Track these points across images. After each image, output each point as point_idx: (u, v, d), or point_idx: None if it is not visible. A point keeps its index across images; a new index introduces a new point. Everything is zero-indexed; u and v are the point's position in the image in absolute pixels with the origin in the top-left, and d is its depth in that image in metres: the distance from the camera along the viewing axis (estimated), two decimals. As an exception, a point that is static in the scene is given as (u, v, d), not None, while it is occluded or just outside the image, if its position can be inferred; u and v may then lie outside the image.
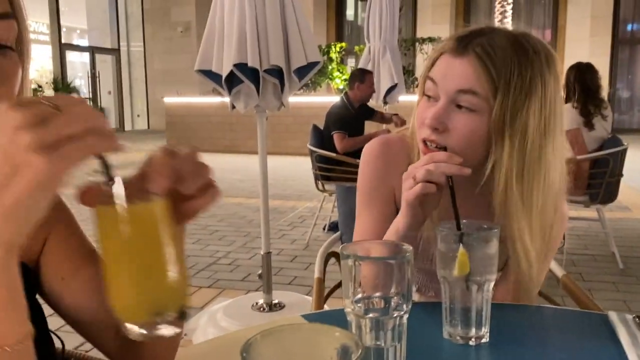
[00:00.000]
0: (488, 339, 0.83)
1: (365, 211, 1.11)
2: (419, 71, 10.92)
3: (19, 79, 0.61)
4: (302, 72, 2.52)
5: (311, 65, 2.52)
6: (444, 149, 0.94)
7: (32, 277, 0.73)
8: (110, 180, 0.45)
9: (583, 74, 3.63)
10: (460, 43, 0.94)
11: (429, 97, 0.97)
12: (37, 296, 0.75)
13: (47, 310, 0.74)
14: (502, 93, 0.90)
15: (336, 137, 4.25)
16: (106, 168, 0.45)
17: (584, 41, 12.40)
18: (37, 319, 0.73)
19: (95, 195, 0.47)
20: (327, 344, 0.46)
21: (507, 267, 1.04)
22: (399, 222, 0.95)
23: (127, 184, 0.47)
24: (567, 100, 3.65)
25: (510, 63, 0.91)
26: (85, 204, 0.47)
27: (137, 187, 0.50)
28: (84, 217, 0.67)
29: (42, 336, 0.74)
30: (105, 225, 0.46)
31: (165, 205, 0.49)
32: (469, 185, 0.97)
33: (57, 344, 0.77)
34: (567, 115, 3.58)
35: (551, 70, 0.94)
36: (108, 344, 0.75)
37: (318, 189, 4.28)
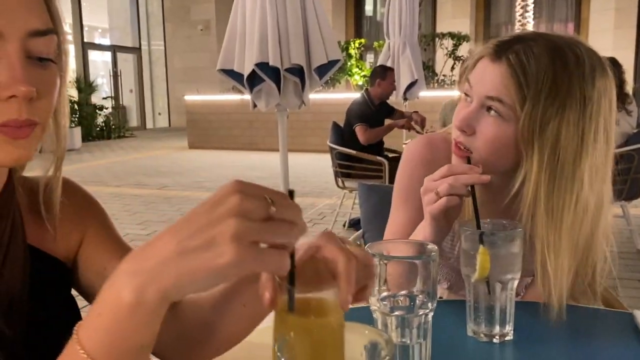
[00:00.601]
0: (512, 337, 0.84)
1: (401, 207, 1.11)
2: (439, 67, 10.84)
3: (57, 90, 0.64)
4: (322, 70, 2.54)
5: (332, 63, 2.54)
6: (470, 152, 0.94)
7: (68, 274, 0.76)
8: (293, 285, 0.46)
9: None
10: (499, 48, 0.93)
11: (467, 96, 0.98)
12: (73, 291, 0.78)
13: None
14: (530, 103, 0.88)
15: (358, 129, 4.25)
16: (292, 276, 0.46)
17: (608, 33, 12.17)
18: (72, 313, 0.77)
19: (279, 298, 0.48)
20: (357, 341, 0.47)
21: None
22: (425, 232, 0.94)
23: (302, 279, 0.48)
24: None
25: (543, 73, 0.88)
26: (270, 306, 0.47)
27: (312, 283, 0.50)
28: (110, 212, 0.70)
29: None
30: (286, 331, 0.46)
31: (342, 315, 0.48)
32: (497, 197, 0.97)
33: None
34: None
35: (596, 83, 0.89)
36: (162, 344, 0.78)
37: (338, 186, 4.29)
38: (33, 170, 0.74)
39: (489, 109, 0.93)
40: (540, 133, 0.88)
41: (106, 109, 13.22)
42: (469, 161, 0.94)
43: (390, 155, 4.47)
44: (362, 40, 11.07)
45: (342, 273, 0.50)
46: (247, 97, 2.60)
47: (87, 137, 11.88)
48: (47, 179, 0.71)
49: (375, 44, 10.72)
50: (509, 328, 0.84)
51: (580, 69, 0.89)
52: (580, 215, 0.90)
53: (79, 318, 0.78)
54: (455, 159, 0.97)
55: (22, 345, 0.65)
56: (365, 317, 0.67)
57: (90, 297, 0.78)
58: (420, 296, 0.69)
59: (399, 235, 1.07)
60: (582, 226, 0.90)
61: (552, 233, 0.89)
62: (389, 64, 5.37)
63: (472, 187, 0.90)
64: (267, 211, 0.43)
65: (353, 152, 4.11)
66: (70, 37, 13.97)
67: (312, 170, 7.62)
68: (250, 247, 0.42)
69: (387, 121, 4.61)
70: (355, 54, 10.59)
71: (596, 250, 0.95)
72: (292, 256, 0.46)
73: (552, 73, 0.88)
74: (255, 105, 2.60)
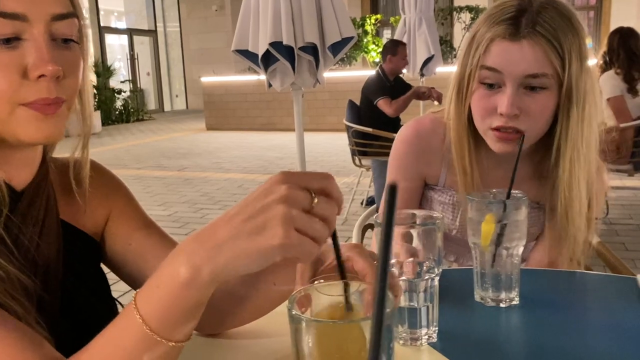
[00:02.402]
0: (518, 302, 0.87)
1: (392, 177, 1.18)
2: (457, 41, 10.67)
3: (81, 70, 0.68)
4: (336, 47, 2.55)
5: (346, 41, 2.54)
6: (522, 133, 0.95)
7: (97, 249, 0.82)
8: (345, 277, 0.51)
9: (627, 38, 3.52)
10: (514, 26, 0.92)
11: (489, 84, 0.96)
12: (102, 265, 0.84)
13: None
14: (568, 64, 0.92)
15: (382, 103, 4.24)
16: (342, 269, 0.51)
17: (633, 1, 11.81)
18: (101, 284, 0.82)
19: (307, 302, 0.52)
20: (360, 294, 0.51)
21: (544, 236, 1.07)
22: None
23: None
24: (610, 66, 3.55)
25: (566, 32, 0.92)
26: (300, 307, 0.51)
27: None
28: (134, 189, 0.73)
29: (106, 299, 0.83)
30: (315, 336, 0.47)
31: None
32: (528, 164, 1.01)
33: (120, 308, 0.86)
34: (610, 82, 3.48)
35: (583, 28, 0.96)
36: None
37: (355, 164, 4.32)
38: (62, 153, 0.79)
39: (531, 88, 0.93)
40: (577, 89, 0.93)
41: (124, 92, 13.34)
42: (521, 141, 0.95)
43: (407, 132, 4.46)
44: (379, 16, 10.94)
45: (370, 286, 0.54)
46: (263, 77, 2.63)
47: (106, 120, 12.04)
48: (77, 157, 0.76)
49: (392, 19, 10.59)
50: (515, 293, 0.87)
51: (576, 19, 0.95)
52: (593, 162, 0.99)
53: (108, 288, 0.83)
54: (502, 147, 0.97)
55: (59, 310, 0.71)
56: (374, 282, 0.71)
57: (117, 270, 0.84)
58: (426, 262, 0.73)
59: None
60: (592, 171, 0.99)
61: (584, 177, 0.97)
62: (404, 40, 5.32)
63: (519, 154, 0.92)
64: (310, 203, 0.48)
65: (369, 129, 4.12)
66: (87, 21, 14.05)
67: (330, 149, 7.64)
68: (295, 233, 0.47)
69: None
70: (372, 30, 10.48)
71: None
72: (335, 239, 0.51)
73: (569, 30, 0.92)
74: (270, 85, 2.63)
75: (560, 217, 1.00)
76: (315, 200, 0.48)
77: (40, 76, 0.61)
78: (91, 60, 13.26)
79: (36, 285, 0.66)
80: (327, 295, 0.51)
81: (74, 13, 0.66)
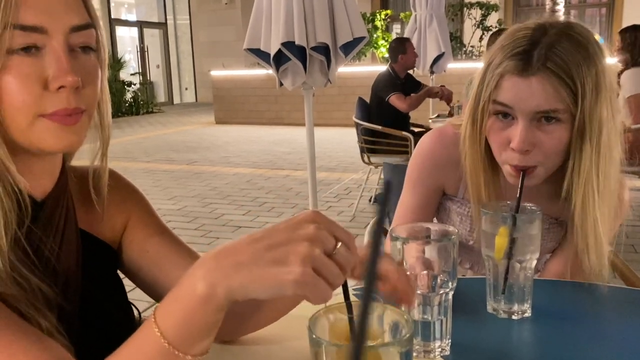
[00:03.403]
0: (530, 314, 0.88)
1: (410, 193, 1.19)
2: (467, 38, 10.61)
3: (100, 79, 0.69)
4: (348, 47, 2.55)
5: (357, 41, 2.55)
6: (535, 167, 0.95)
7: (114, 256, 0.83)
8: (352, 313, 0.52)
9: None
10: (524, 61, 0.91)
11: (503, 114, 0.95)
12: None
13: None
14: (581, 98, 0.89)
15: (395, 98, 4.24)
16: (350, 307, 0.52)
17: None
18: (118, 291, 0.84)
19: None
20: (380, 319, 0.52)
21: (563, 249, 1.08)
22: None
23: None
24: (634, 64, 3.53)
25: (579, 66, 0.89)
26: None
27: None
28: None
29: (123, 306, 0.84)
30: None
31: None
32: (548, 183, 1.00)
33: (135, 313, 0.88)
34: (634, 79, 3.45)
35: (603, 54, 0.93)
36: None
37: (364, 161, 4.32)
38: (80, 161, 0.80)
39: (545, 119, 0.92)
40: (591, 122, 0.91)
41: (134, 84, 13.39)
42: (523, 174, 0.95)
43: (416, 130, 4.46)
44: (389, 12, 10.89)
45: (404, 292, 0.56)
46: (272, 71, 2.64)
47: (116, 113, 12.09)
48: (96, 166, 0.77)
49: (402, 14, 10.54)
50: (527, 305, 0.88)
51: (593, 47, 0.92)
52: (616, 188, 0.98)
53: (125, 296, 0.84)
54: (517, 181, 0.96)
55: (79, 318, 0.72)
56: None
57: (132, 277, 0.85)
58: (441, 276, 0.74)
59: (407, 214, 1.17)
60: (616, 186, 0.98)
61: (601, 206, 0.95)
62: (415, 37, 5.31)
63: (523, 173, 0.93)
64: (333, 249, 0.50)
65: (379, 127, 4.12)
66: (98, 14, 14.09)
67: (338, 145, 7.64)
68: (312, 272, 0.48)
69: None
70: (381, 25, 10.44)
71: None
72: (345, 289, 0.52)
73: (584, 62, 0.89)
74: (281, 84, 2.64)
75: (578, 250, 1.00)
76: (338, 246, 0.50)
77: (60, 87, 0.62)
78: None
79: (57, 295, 0.66)
80: (346, 316, 0.52)
81: (91, 24, 0.67)
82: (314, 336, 0.47)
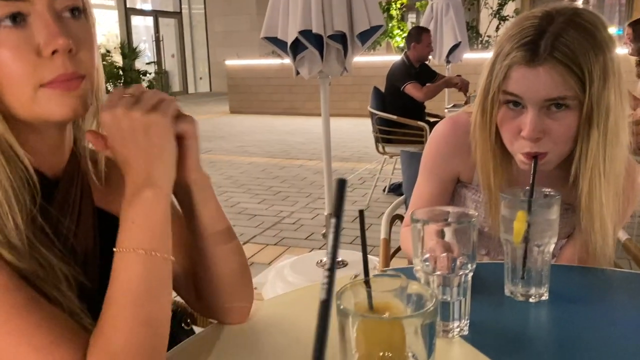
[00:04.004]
0: (547, 297, 0.89)
1: (425, 180, 1.21)
2: (483, 27, 10.49)
3: (95, 42, 0.69)
4: (364, 36, 2.55)
5: (374, 29, 2.54)
6: (545, 154, 0.96)
7: None
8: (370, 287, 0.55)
9: None
10: (532, 51, 0.92)
11: (513, 103, 0.96)
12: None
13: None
14: (589, 85, 0.90)
15: (411, 87, 4.22)
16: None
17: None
18: None
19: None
20: (404, 293, 0.54)
21: (574, 234, 1.09)
22: None
23: None
24: None
25: (586, 53, 0.90)
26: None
27: None
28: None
29: None
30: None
31: None
32: (559, 168, 1.02)
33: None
34: None
35: (612, 40, 0.94)
36: (189, 295, 0.85)
37: (378, 151, 4.32)
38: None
39: (554, 106, 0.93)
40: (598, 108, 0.92)
41: (149, 74, 13.44)
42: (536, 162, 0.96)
43: (432, 119, 4.45)
44: (404, 1, 10.79)
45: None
46: (287, 61, 2.65)
47: (132, 102, 12.14)
48: None
49: (418, 4, 10.45)
50: (544, 289, 0.89)
51: (600, 33, 0.92)
52: (623, 163, 0.99)
53: None
54: (528, 167, 0.97)
55: (99, 295, 0.75)
56: (408, 276, 0.74)
57: None
58: (460, 258, 0.76)
59: (422, 201, 1.18)
60: (622, 172, 0.99)
61: (606, 191, 0.97)
62: (431, 27, 5.27)
63: (536, 159, 0.95)
64: (138, 96, 0.67)
65: (394, 116, 4.12)
66: (113, 3, 14.17)
67: (352, 135, 7.64)
68: (154, 106, 0.66)
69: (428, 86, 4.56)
70: (397, 14, 10.36)
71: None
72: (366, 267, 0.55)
73: (591, 49, 0.90)
74: (298, 73, 2.65)
75: (583, 231, 1.02)
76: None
77: (53, 52, 0.62)
78: (116, 40, 13.37)
79: (76, 273, 0.68)
80: (371, 290, 0.54)
81: None
82: (341, 307, 0.49)
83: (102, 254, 0.74)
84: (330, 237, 0.36)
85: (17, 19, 0.62)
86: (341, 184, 0.35)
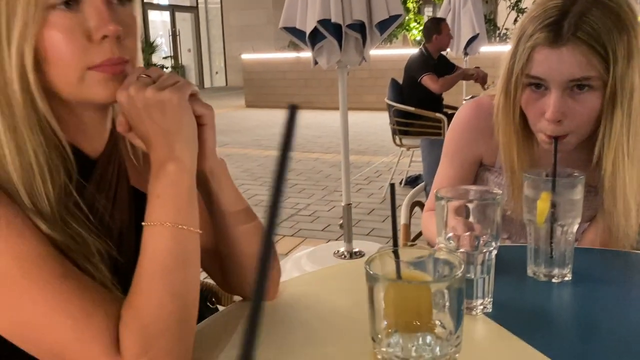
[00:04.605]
0: (571, 278, 0.89)
1: (448, 164, 1.21)
2: (501, 20, 10.39)
3: (139, 29, 0.72)
4: (383, 25, 2.55)
5: (393, 19, 2.54)
6: (566, 135, 0.97)
7: None
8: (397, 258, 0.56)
9: None
10: (555, 32, 0.91)
11: (536, 85, 0.96)
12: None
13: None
14: (612, 65, 0.90)
15: (428, 79, 4.20)
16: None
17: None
18: None
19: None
20: (433, 261, 0.55)
21: (597, 218, 1.09)
22: None
23: None
24: None
25: (610, 33, 0.89)
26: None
27: None
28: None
29: None
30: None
31: None
32: (582, 150, 1.01)
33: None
34: None
35: (637, 18, 0.93)
36: (215, 272, 0.87)
37: (395, 143, 4.31)
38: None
39: (578, 87, 0.93)
40: (622, 88, 0.92)
41: (166, 68, 13.55)
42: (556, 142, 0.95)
43: (449, 111, 4.43)
44: (420, -7, 10.74)
45: None
46: (302, 55, 2.68)
47: (149, 96, 12.24)
48: None
49: (434, -3, 10.39)
50: (567, 270, 0.89)
51: (625, 12, 0.91)
52: None
53: None
54: (548, 147, 0.98)
55: (132, 271, 0.77)
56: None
57: None
58: (484, 236, 0.76)
59: (445, 184, 1.17)
60: None
61: (630, 170, 0.97)
62: (449, 19, 5.23)
63: (556, 140, 0.94)
64: (154, 77, 0.69)
65: (412, 108, 4.10)
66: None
67: (368, 128, 7.63)
68: (170, 85, 0.68)
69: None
70: (414, 7, 10.31)
71: None
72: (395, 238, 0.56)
73: (615, 28, 0.90)
74: (316, 63, 2.65)
75: (606, 212, 1.02)
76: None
77: (103, 37, 0.65)
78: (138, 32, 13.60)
79: (111, 250, 0.70)
80: (398, 259, 0.55)
81: None
82: (371, 272, 0.50)
83: (137, 232, 0.76)
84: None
85: (71, 3, 0.64)
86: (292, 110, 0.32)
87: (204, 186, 0.75)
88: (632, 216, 0.99)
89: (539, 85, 0.96)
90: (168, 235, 0.64)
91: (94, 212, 0.71)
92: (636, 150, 0.96)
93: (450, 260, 0.53)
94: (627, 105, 0.93)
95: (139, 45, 0.73)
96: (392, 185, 0.58)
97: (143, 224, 0.66)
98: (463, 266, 0.50)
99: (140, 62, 0.75)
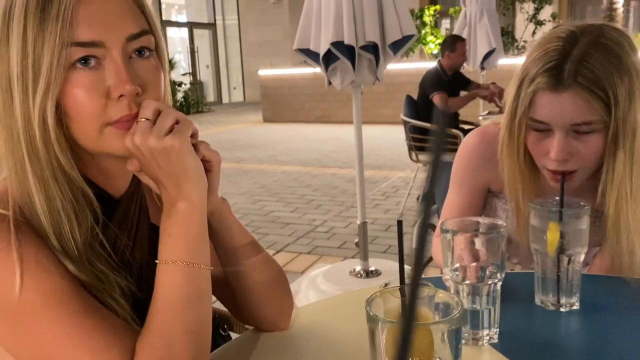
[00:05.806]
0: (578, 307, 0.89)
1: (456, 192, 1.23)
2: (519, 33, 10.35)
3: (162, 80, 0.73)
4: (397, 45, 2.57)
5: (406, 39, 2.56)
6: (573, 172, 0.98)
7: None
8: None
9: None
10: (556, 77, 0.93)
11: (539, 128, 0.98)
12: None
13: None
14: (614, 108, 0.91)
15: (437, 98, 4.22)
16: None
17: None
18: None
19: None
20: (432, 302, 0.57)
21: (603, 246, 1.09)
22: None
23: None
24: None
25: (611, 76, 0.90)
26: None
27: None
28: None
29: None
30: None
31: None
32: (584, 190, 1.03)
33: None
34: None
35: (636, 54, 0.93)
36: (228, 302, 0.89)
37: (412, 159, 4.32)
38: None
39: (582, 129, 0.94)
40: (624, 128, 0.93)
41: (184, 84, 13.76)
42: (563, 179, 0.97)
43: (466, 127, 4.43)
44: (437, 7, 10.76)
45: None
46: (319, 70, 2.69)
47: (168, 112, 12.42)
48: None
49: (451, 10, 10.39)
50: (575, 298, 0.89)
51: (625, 52, 0.92)
52: None
53: None
54: (557, 184, 0.98)
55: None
56: (438, 285, 0.75)
57: None
58: (490, 267, 0.77)
59: (453, 213, 1.19)
60: None
61: (633, 209, 0.97)
62: (465, 33, 5.25)
63: (563, 177, 0.96)
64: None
65: (427, 124, 4.11)
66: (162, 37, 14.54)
67: (385, 143, 7.64)
68: (170, 130, 0.68)
69: (463, 93, 4.55)
70: (430, 21, 10.33)
71: None
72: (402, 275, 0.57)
73: (616, 70, 0.91)
74: (330, 83, 2.69)
75: (610, 249, 1.03)
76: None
77: (120, 96, 0.66)
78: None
79: (131, 286, 0.73)
80: (397, 297, 0.57)
81: (147, 31, 0.70)
82: (371, 314, 0.52)
83: (156, 268, 0.79)
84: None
85: (93, 62, 0.66)
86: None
87: (209, 226, 0.77)
88: (637, 253, 0.99)
89: (542, 127, 0.97)
90: (179, 273, 0.67)
91: (116, 249, 0.74)
92: (639, 189, 0.96)
93: (448, 302, 0.54)
94: (630, 146, 0.94)
95: (161, 94, 0.72)
96: (399, 223, 0.60)
97: (156, 261, 0.68)
98: (460, 307, 0.52)
99: (169, 103, 0.77)
